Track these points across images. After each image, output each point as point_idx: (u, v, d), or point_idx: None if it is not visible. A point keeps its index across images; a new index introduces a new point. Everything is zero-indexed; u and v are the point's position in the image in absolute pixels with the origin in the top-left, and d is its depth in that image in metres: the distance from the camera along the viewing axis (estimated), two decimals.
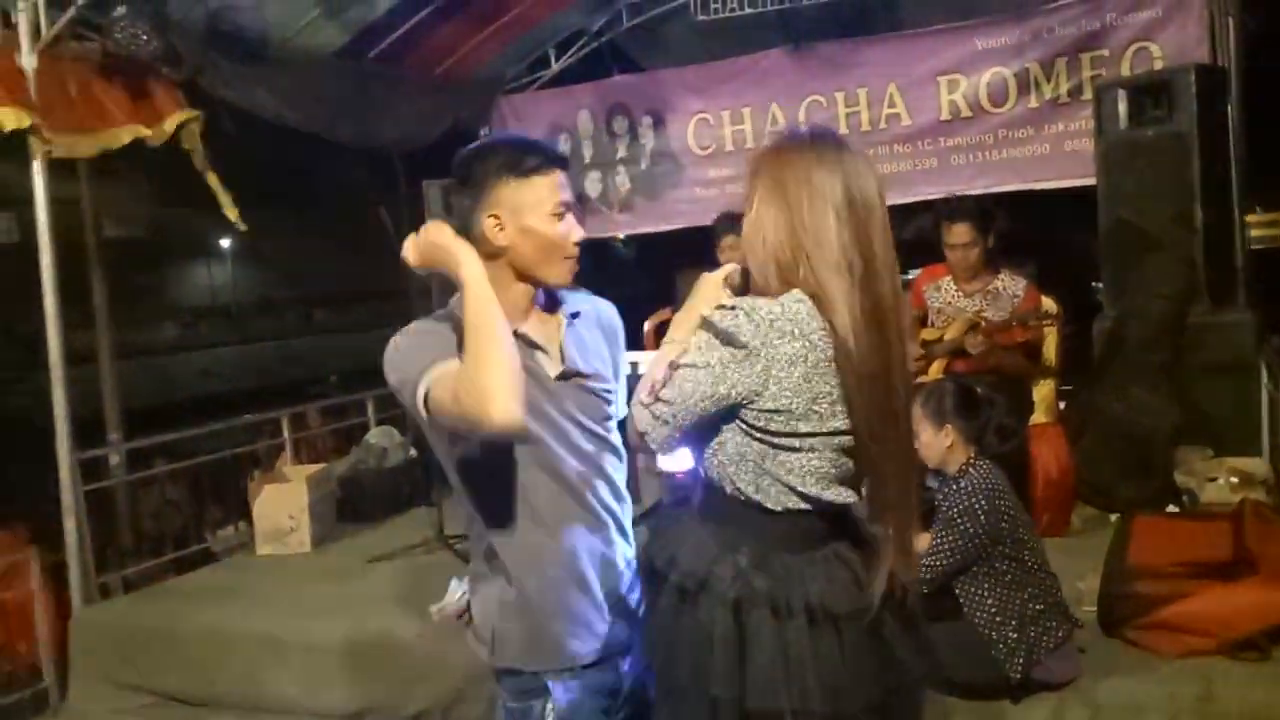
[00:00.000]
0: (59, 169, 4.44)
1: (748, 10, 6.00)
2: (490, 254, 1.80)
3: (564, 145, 6.61)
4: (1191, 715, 2.78)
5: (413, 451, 5.46)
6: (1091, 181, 4.95)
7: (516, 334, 1.81)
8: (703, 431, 1.60)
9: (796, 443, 1.55)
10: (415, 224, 5.99)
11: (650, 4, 6.25)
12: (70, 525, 4.32)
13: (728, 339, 1.53)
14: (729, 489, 1.60)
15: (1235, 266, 4.85)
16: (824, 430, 1.55)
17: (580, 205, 6.56)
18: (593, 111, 6.55)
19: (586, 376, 1.90)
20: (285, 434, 5.44)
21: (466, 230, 1.80)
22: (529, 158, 1.80)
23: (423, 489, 4.82)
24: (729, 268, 1.73)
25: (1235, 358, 4.42)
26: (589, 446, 1.89)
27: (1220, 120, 4.77)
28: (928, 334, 4.50)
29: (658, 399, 1.57)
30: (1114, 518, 4.10)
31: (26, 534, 5.00)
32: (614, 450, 1.95)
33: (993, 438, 3.01)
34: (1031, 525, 3.03)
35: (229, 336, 23.91)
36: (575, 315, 1.95)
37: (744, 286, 1.72)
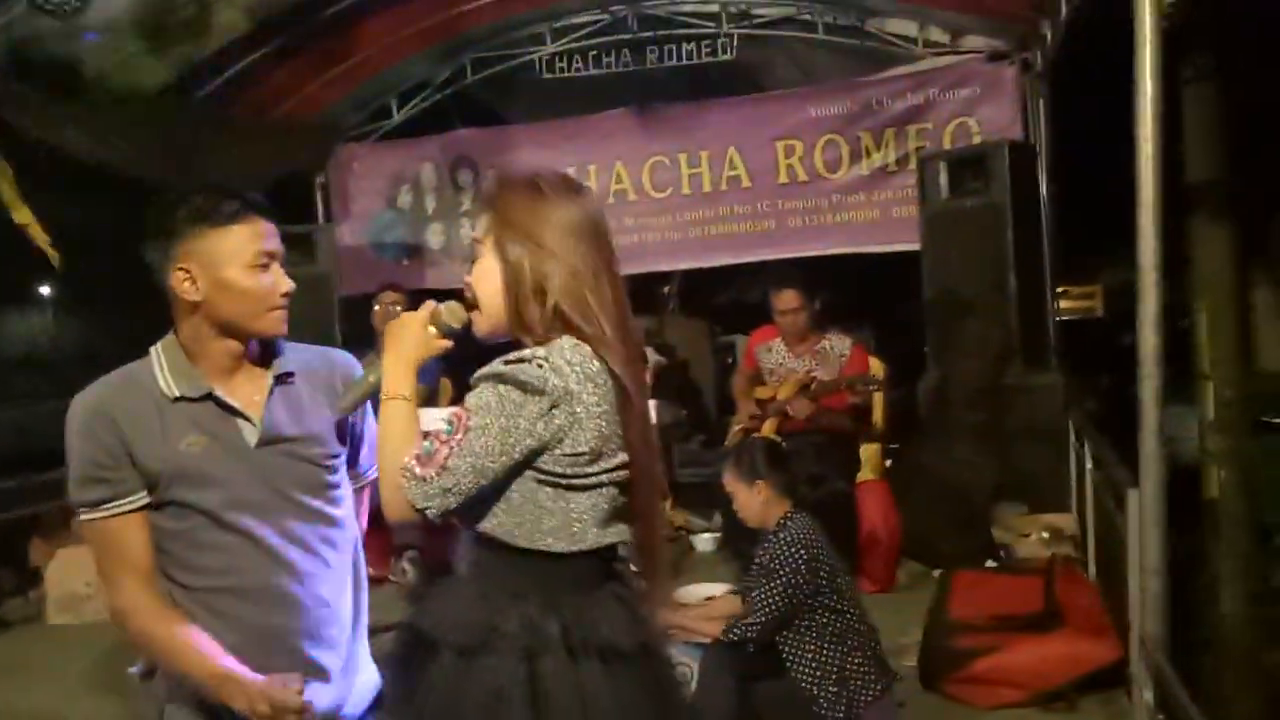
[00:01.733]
0: None
1: (593, 70, 6.08)
2: (186, 309, 1.70)
3: (406, 197, 6.51)
4: None
5: None
6: (918, 247, 5.17)
7: (211, 396, 1.71)
8: (485, 490, 1.50)
9: (588, 482, 1.53)
10: None
11: (496, 59, 6.25)
12: None
13: (531, 390, 1.47)
14: (512, 541, 1.53)
15: (1046, 332, 5.12)
16: (609, 467, 1.55)
17: (421, 256, 6.48)
18: (436, 164, 6.46)
19: (294, 441, 1.76)
20: None
21: (160, 283, 1.71)
22: (224, 205, 1.69)
23: None
24: (430, 306, 1.65)
25: (1047, 418, 4.62)
26: (297, 521, 1.74)
27: (1032, 193, 5.07)
28: (762, 393, 4.57)
29: (443, 468, 1.45)
30: (936, 573, 4.21)
31: None
32: (332, 523, 1.79)
33: (805, 487, 3.05)
34: (851, 578, 3.06)
35: (47, 390, 22.38)
36: (289, 375, 1.80)
37: (463, 329, 1.65)
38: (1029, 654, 3.14)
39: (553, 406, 1.47)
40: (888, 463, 4.91)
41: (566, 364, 1.49)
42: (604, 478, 1.54)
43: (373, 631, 3.89)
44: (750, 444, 3.22)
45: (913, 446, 4.94)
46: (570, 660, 1.50)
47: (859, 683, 2.85)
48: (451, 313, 1.63)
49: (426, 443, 1.50)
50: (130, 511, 1.67)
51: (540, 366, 1.47)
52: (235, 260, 1.68)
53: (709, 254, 6.15)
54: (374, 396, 1.67)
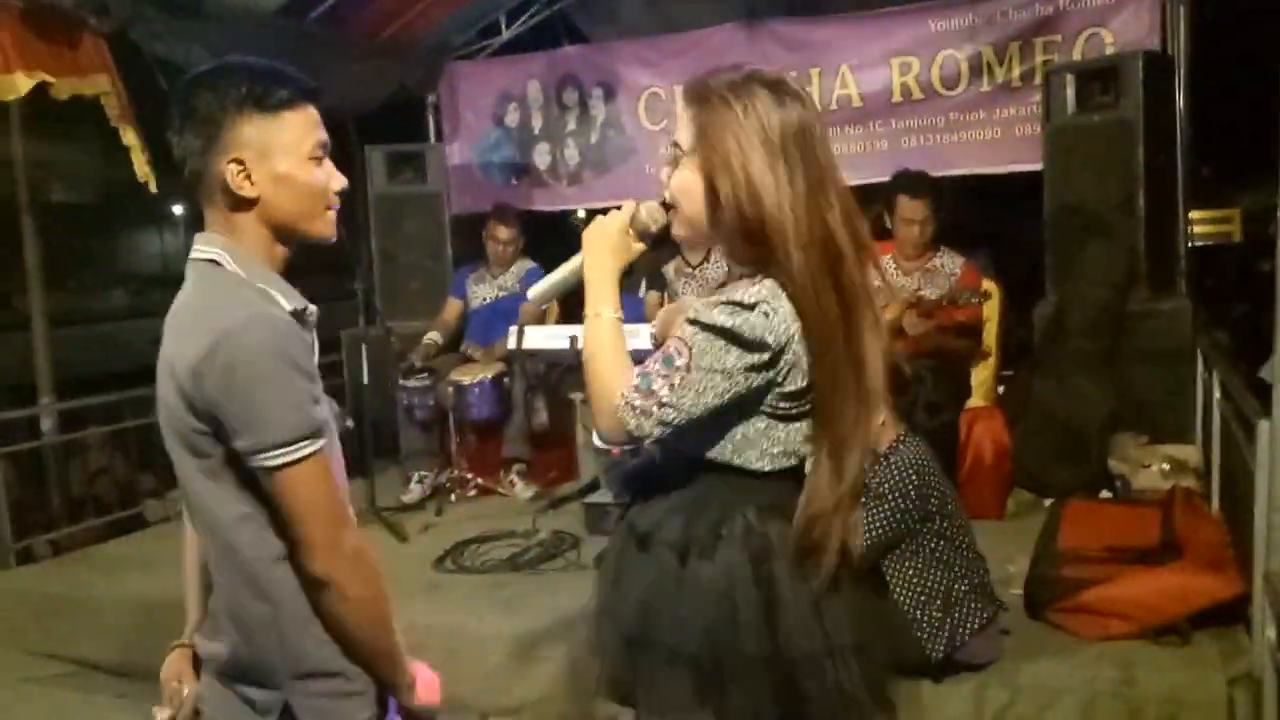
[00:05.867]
0: None
1: None
2: (234, 207, 1.48)
3: (514, 115, 6.50)
4: (1110, 698, 2.77)
5: (349, 422, 5.37)
6: (1040, 167, 4.94)
7: (299, 314, 1.49)
8: (705, 420, 1.52)
9: (797, 413, 1.56)
10: (362, 189, 5.79)
11: None
12: None
13: (755, 345, 1.48)
14: (725, 460, 1.57)
15: (1176, 255, 4.86)
16: (810, 397, 1.56)
17: (529, 176, 6.50)
18: (543, 82, 6.41)
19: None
20: None
21: (197, 177, 1.48)
22: (278, 89, 1.46)
23: (358, 461, 4.74)
24: (631, 207, 1.63)
25: (1173, 345, 4.42)
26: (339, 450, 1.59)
27: (1167, 108, 4.78)
28: None
29: (661, 403, 1.48)
30: (1048, 503, 4.11)
31: None
32: None
33: (922, 414, 3.00)
34: (960, 505, 3.02)
35: None
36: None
37: (661, 234, 1.64)
38: (1141, 585, 3.05)
39: (776, 355, 1.49)
40: (1000, 389, 4.79)
41: (782, 311, 1.48)
42: (808, 407, 1.56)
43: (493, 538, 4.12)
44: None
45: (1026, 373, 4.79)
46: (795, 566, 1.54)
47: (964, 610, 2.83)
48: (650, 214, 1.62)
49: (647, 376, 1.51)
50: None
51: (766, 315, 1.47)
52: (294, 152, 1.48)
53: None
54: (568, 291, 1.71)
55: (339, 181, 1.54)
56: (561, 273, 1.70)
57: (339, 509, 1.45)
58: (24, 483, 4.96)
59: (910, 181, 4.28)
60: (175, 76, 4.60)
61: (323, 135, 1.52)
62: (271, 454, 1.37)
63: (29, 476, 5.11)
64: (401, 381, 5.07)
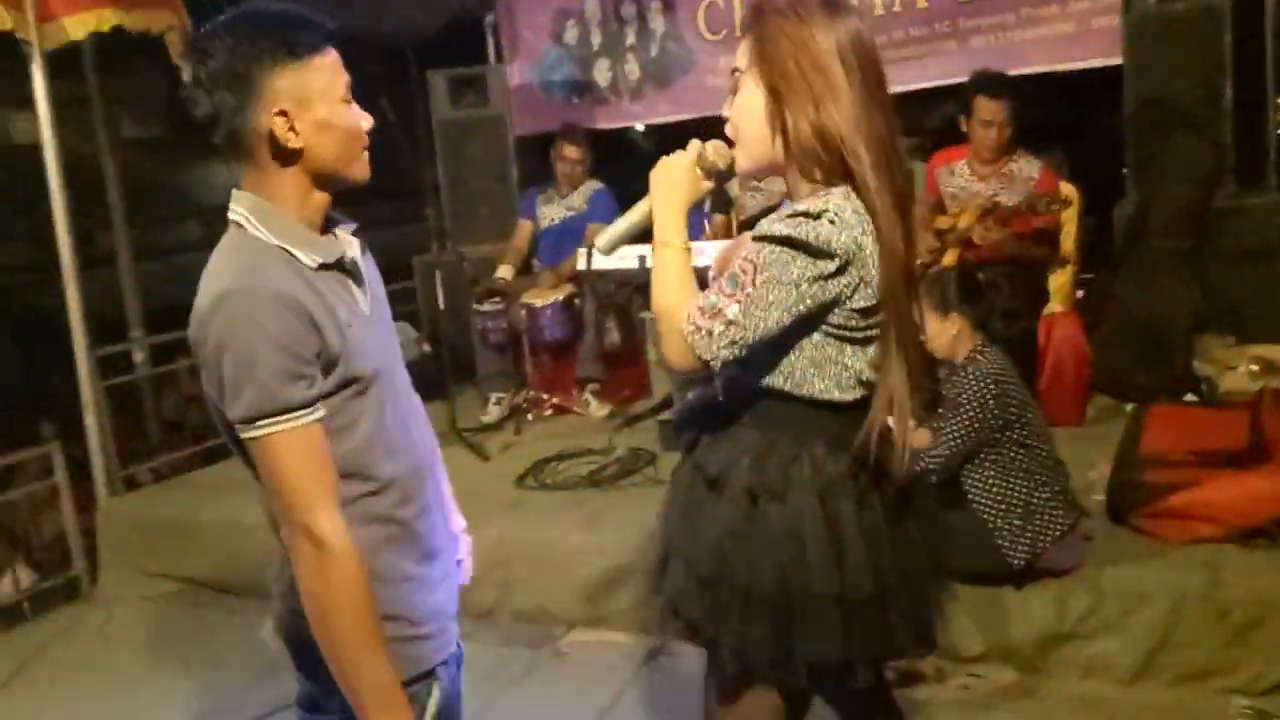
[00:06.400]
0: (67, 67, 4.35)
1: None
2: (278, 160, 1.44)
3: (572, 32, 6.40)
4: (1197, 601, 2.77)
5: (426, 347, 5.48)
6: (1119, 60, 4.75)
7: (342, 261, 1.49)
8: (773, 342, 1.52)
9: (868, 335, 1.54)
10: (425, 116, 5.78)
11: None
12: (90, 420, 4.39)
13: (821, 253, 1.46)
14: (795, 391, 1.56)
15: (1265, 147, 4.68)
16: (878, 320, 1.54)
17: (591, 94, 6.43)
18: None
19: (383, 302, 1.60)
20: None
21: (235, 136, 1.43)
22: (304, 35, 1.41)
23: (436, 384, 4.84)
24: (696, 146, 1.64)
25: (1262, 242, 4.29)
26: (406, 395, 1.60)
27: None
28: (941, 222, 4.38)
29: (729, 322, 1.47)
30: (1129, 408, 4.05)
31: (53, 429, 5.14)
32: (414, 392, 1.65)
33: (998, 323, 2.96)
34: (1039, 413, 2.99)
35: None
36: (361, 229, 1.59)
37: (728, 170, 1.65)
38: (1230, 489, 3.01)
39: (843, 266, 1.47)
40: (1079, 294, 4.70)
41: (852, 220, 1.47)
42: (875, 331, 1.54)
43: (571, 455, 4.16)
44: (945, 274, 3.11)
45: (1106, 276, 4.68)
46: (859, 505, 1.55)
47: (1045, 518, 2.83)
48: (717, 152, 1.63)
49: (712, 296, 1.51)
50: (322, 417, 1.42)
51: (832, 223, 1.46)
52: (328, 96, 1.44)
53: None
54: (634, 237, 1.71)
55: (368, 121, 1.51)
56: (629, 219, 1.68)
57: (311, 492, 1.38)
58: (121, 413, 5.17)
59: (989, 81, 4.12)
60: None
61: (347, 75, 1.48)
62: (239, 427, 1.38)
63: (125, 407, 5.32)
64: (475, 306, 5.14)
